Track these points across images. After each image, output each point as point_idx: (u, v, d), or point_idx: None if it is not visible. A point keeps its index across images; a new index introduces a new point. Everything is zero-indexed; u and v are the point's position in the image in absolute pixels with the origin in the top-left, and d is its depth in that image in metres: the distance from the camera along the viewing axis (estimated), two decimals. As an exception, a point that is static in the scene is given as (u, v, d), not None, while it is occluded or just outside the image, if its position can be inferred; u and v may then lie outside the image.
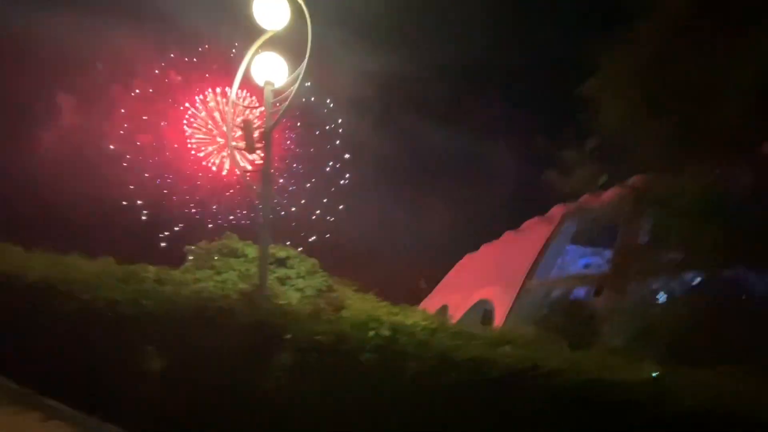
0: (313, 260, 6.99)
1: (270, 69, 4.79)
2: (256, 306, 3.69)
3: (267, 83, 4.75)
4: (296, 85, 4.74)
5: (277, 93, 4.77)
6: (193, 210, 31.56)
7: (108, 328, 4.02)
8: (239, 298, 4.01)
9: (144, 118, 30.72)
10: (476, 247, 29.56)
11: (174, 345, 3.66)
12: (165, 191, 31.11)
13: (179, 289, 4.26)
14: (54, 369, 4.26)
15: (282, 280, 5.92)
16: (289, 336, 3.34)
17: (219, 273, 5.84)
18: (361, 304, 4.06)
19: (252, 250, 6.71)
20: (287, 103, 4.75)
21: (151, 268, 5.31)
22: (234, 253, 6.67)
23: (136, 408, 3.72)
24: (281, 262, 6.60)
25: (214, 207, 31.50)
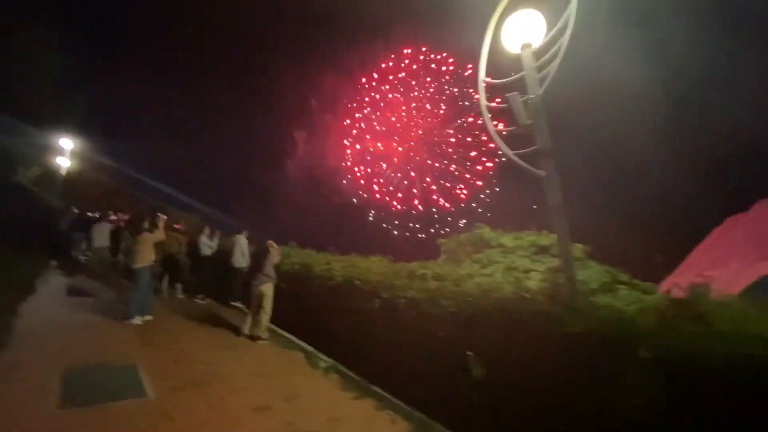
0: (578, 246, 5.88)
1: (527, 29, 4.05)
2: (577, 309, 3.05)
3: (525, 46, 4.04)
4: (564, 40, 3.85)
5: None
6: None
7: (411, 326, 4.26)
8: (542, 298, 3.48)
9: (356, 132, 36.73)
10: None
11: (484, 349, 3.48)
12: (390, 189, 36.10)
13: (469, 287, 4.10)
14: (368, 362, 4.87)
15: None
16: (645, 354, 2.56)
17: (484, 266, 5.64)
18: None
19: (508, 240, 6.26)
20: (556, 63, 3.91)
21: (430, 265, 5.54)
22: (488, 244, 6.41)
23: (450, 408, 3.74)
24: (543, 250, 5.88)
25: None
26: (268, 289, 6.47)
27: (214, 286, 9.36)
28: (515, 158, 4.04)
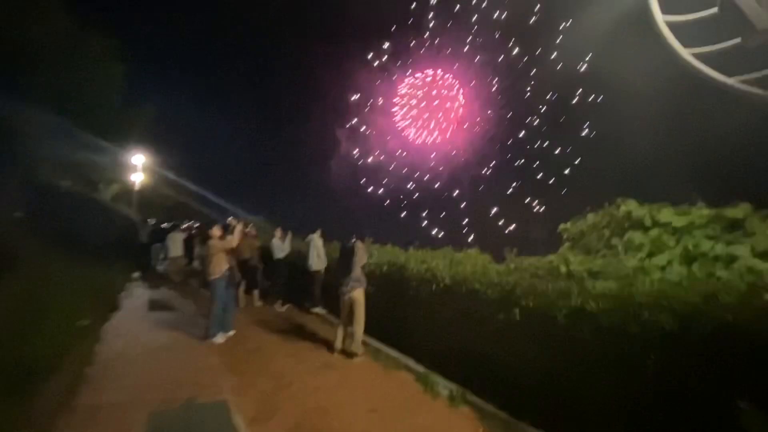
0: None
1: None
2: None
3: None
4: None
5: None
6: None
7: (586, 348, 2.99)
8: None
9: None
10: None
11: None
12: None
13: (657, 290, 2.72)
14: (509, 389, 3.68)
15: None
16: None
17: (648, 255, 4.15)
18: None
19: (672, 216, 4.64)
20: None
21: (565, 258, 4.21)
22: (636, 224, 4.88)
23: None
24: (730, 227, 4.23)
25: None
26: (359, 295, 5.49)
27: (291, 290, 8.70)
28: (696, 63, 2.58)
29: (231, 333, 6.08)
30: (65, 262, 9.09)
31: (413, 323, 5.34)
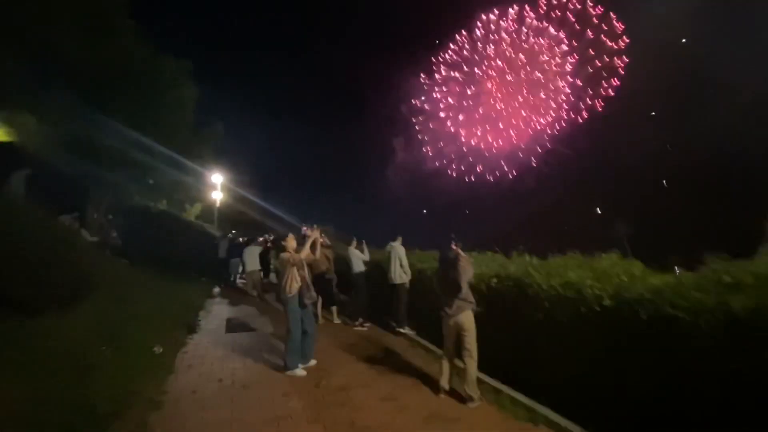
0: None
1: None
2: None
3: None
4: None
5: None
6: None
7: None
8: None
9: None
10: None
11: None
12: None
13: None
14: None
15: None
16: None
17: None
18: None
19: None
20: None
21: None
22: None
23: None
24: None
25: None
26: (467, 319, 4.20)
27: (373, 307, 7.69)
28: None
29: (312, 363, 5.16)
30: (151, 282, 9.11)
31: (546, 358, 3.91)
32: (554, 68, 33.31)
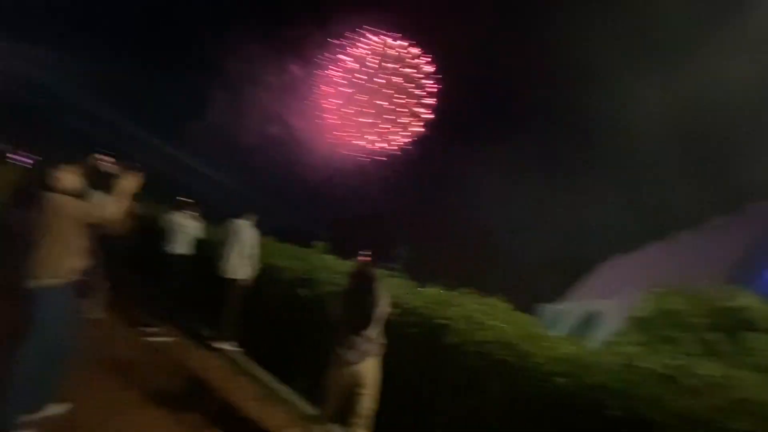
0: None
1: None
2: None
3: None
4: None
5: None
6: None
7: None
8: None
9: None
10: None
11: None
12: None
13: None
14: None
15: None
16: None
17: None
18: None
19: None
20: None
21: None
22: (747, 325, 3.78)
23: None
24: None
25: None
26: (372, 370, 2.95)
27: (185, 305, 5.32)
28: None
29: (57, 410, 2.71)
30: None
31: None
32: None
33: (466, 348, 2.95)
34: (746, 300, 3.88)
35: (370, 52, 34.37)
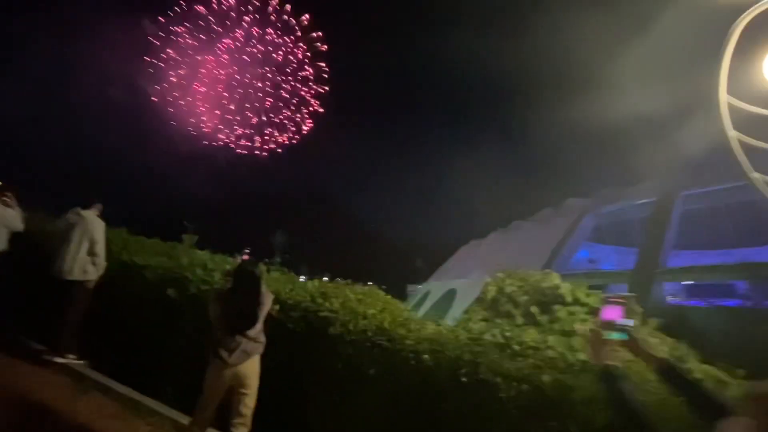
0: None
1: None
2: None
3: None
4: None
5: None
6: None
7: None
8: None
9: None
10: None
11: None
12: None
13: None
14: None
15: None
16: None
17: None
18: None
19: (586, 295, 4.92)
20: None
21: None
22: (556, 300, 4.93)
23: None
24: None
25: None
26: (253, 369, 2.92)
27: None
28: None
29: None
30: None
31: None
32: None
33: (348, 338, 3.18)
34: (555, 280, 5.12)
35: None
